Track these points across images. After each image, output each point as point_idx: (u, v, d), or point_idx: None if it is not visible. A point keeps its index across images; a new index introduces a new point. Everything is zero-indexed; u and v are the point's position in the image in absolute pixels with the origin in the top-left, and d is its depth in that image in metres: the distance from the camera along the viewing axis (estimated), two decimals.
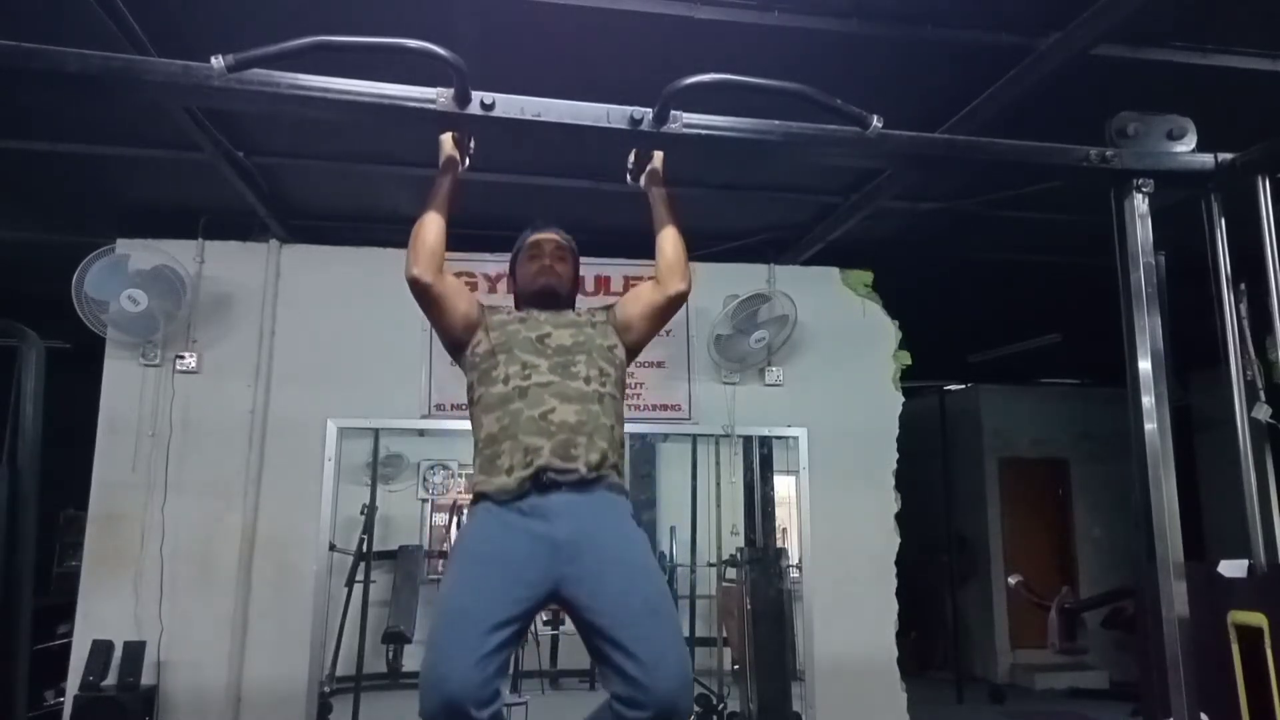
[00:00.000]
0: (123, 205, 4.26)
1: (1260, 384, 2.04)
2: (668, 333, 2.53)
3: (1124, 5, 2.40)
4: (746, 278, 4.70)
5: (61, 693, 4.06)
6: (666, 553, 5.21)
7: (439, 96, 1.74)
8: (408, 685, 4.41)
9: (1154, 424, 1.95)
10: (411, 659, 4.49)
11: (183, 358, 4.23)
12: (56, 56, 1.59)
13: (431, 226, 2.14)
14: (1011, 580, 7.56)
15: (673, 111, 1.82)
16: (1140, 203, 2.01)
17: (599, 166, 3.56)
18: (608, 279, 4.62)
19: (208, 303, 4.31)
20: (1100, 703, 6.98)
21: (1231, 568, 2.04)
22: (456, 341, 2.25)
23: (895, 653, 4.56)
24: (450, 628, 1.87)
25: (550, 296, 2.32)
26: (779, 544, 5.01)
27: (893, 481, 4.70)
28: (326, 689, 4.22)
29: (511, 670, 4.19)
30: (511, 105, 1.78)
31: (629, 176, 2.32)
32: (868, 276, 4.86)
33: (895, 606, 4.59)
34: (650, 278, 2.34)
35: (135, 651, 3.89)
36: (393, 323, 4.22)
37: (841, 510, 4.61)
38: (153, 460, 4.12)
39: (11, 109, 3.24)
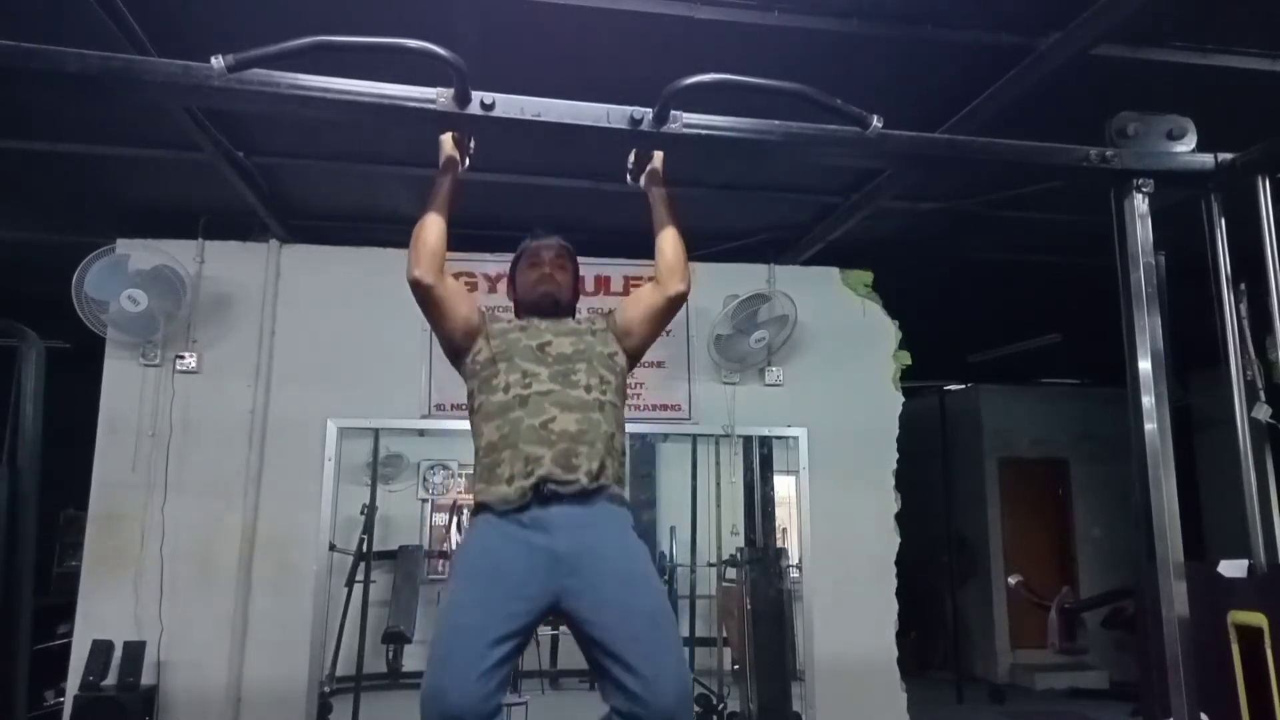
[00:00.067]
0: (123, 205, 4.26)
1: (1260, 384, 2.04)
2: (668, 333, 2.54)
3: (1124, 5, 2.40)
4: (746, 278, 4.70)
5: (61, 693, 4.06)
6: (666, 553, 5.21)
7: (439, 96, 1.74)
8: (408, 685, 4.41)
9: (1154, 424, 1.95)
10: (411, 659, 4.49)
11: (183, 358, 4.23)
12: (56, 56, 1.59)
13: (432, 228, 2.14)
14: (1011, 580, 7.56)
15: (673, 111, 1.82)
16: (1140, 203, 2.01)
17: (599, 166, 3.56)
18: (608, 279, 4.62)
19: (208, 303, 4.31)
20: (1100, 703, 6.98)
21: (1231, 568, 2.04)
22: (457, 347, 2.25)
23: (895, 653, 4.56)
24: (451, 642, 1.88)
25: (550, 305, 2.32)
26: (779, 544, 5.00)
27: (893, 481, 4.70)
28: (326, 689, 4.21)
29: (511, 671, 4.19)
30: (511, 105, 1.77)
31: (629, 176, 2.32)
32: (868, 276, 4.86)
33: (895, 606, 4.59)
34: (650, 278, 2.34)
35: (135, 651, 3.89)
36: (393, 323, 4.22)
37: (841, 510, 4.61)
38: (153, 460, 4.12)
39: (11, 109, 3.24)
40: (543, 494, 2.00)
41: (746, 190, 4.09)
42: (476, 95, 1.74)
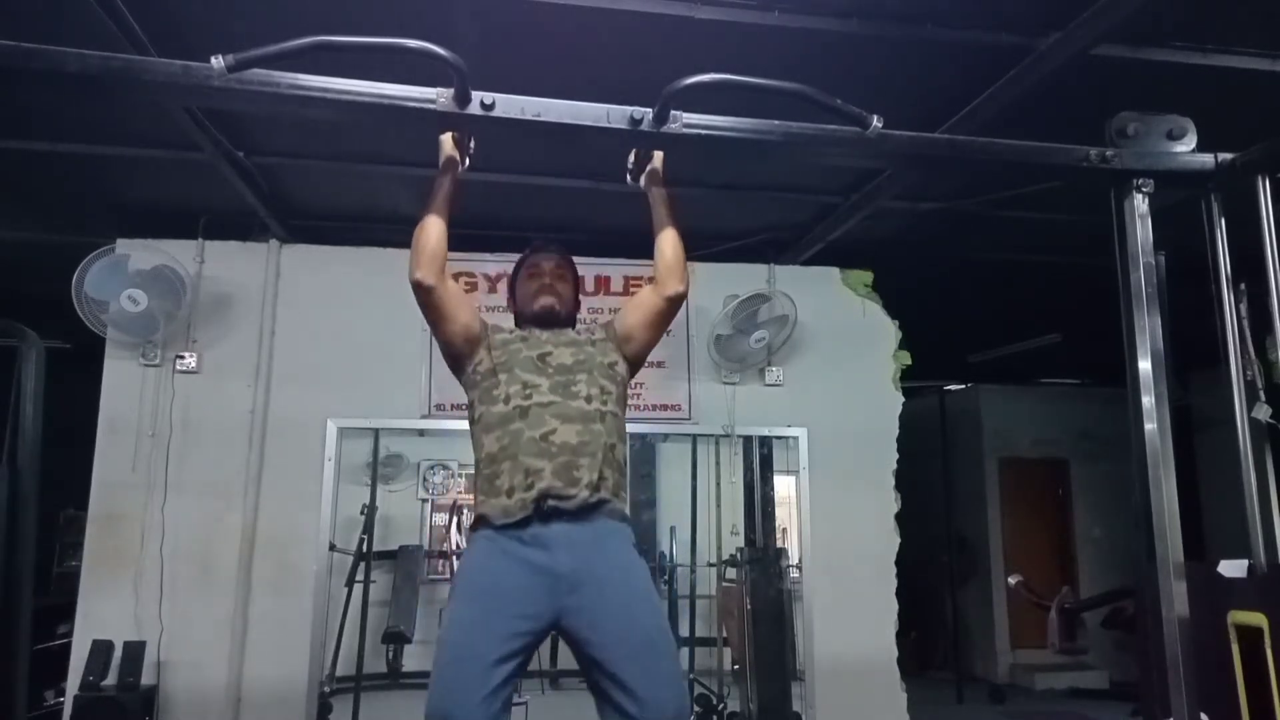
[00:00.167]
0: (123, 205, 4.26)
1: (1260, 384, 2.04)
2: (668, 333, 2.53)
3: (1124, 5, 2.40)
4: (746, 278, 4.70)
5: (61, 693, 4.06)
6: (666, 553, 5.21)
7: (439, 96, 1.74)
8: (408, 685, 4.41)
9: (1154, 424, 1.95)
10: (411, 659, 4.49)
11: (183, 358, 4.23)
12: (56, 56, 1.59)
13: (433, 230, 2.14)
14: (1011, 580, 7.56)
15: (673, 111, 1.81)
16: (1140, 203, 2.00)
17: (599, 166, 3.56)
18: (608, 279, 4.62)
19: (208, 303, 4.31)
20: (1100, 703, 6.98)
21: (1231, 568, 2.03)
22: (457, 353, 2.25)
23: (895, 653, 4.56)
24: (453, 664, 1.89)
25: (550, 316, 2.32)
26: (779, 544, 5.00)
27: (893, 481, 4.70)
28: (326, 689, 4.21)
29: None
30: (511, 105, 1.77)
31: (629, 176, 2.32)
32: (868, 276, 4.86)
33: (895, 606, 4.59)
34: (649, 278, 2.34)
35: (135, 651, 3.89)
36: (393, 323, 4.22)
37: (841, 510, 4.61)
38: (153, 460, 4.12)
39: (11, 109, 3.24)
40: (543, 510, 1.99)
41: (746, 190, 4.09)
42: (476, 95, 1.74)
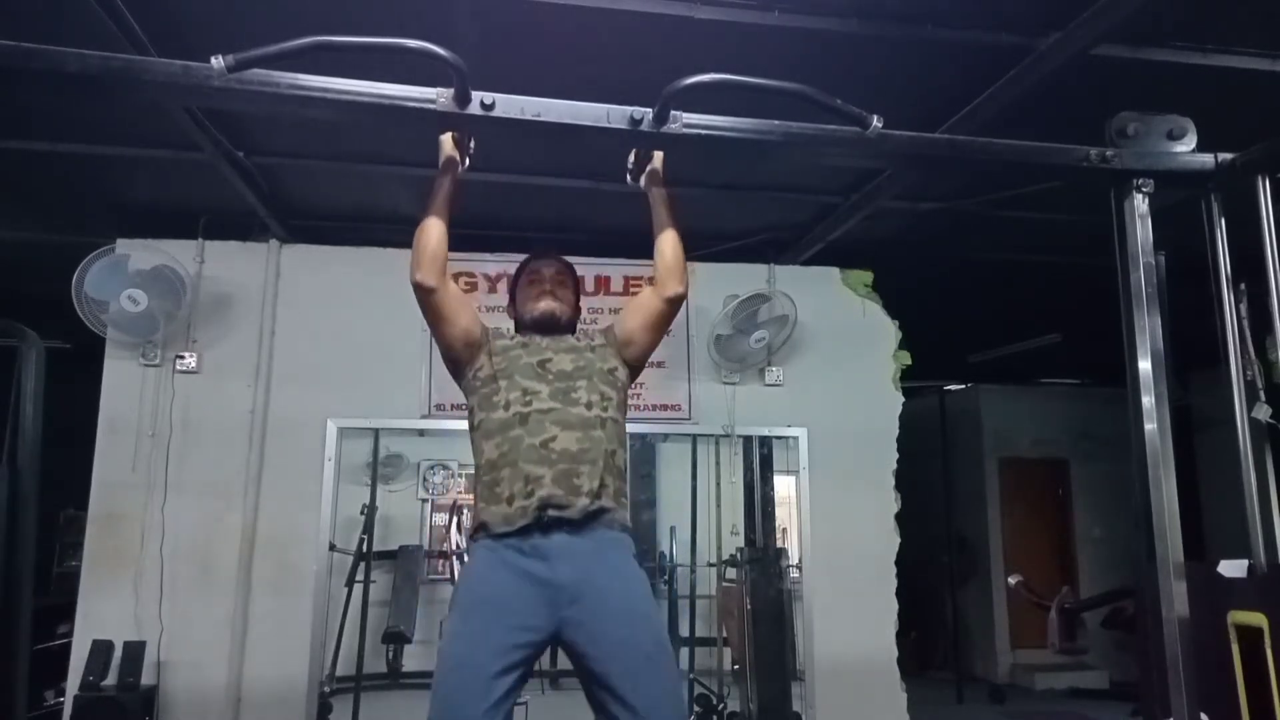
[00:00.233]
0: (123, 205, 4.27)
1: (1260, 384, 2.04)
2: (668, 333, 2.53)
3: (1124, 5, 2.40)
4: (746, 278, 4.70)
5: (61, 693, 4.06)
6: (666, 553, 5.21)
7: (439, 96, 1.74)
8: (408, 685, 4.41)
9: (1154, 424, 1.95)
10: (411, 659, 4.49)
11: (183, 358, 4.23)
12: (56, 56, 1.59)
13: (433, 231, 2.14)
14: (1011, 580, 7.56)
15: (673, 112, 1.81)
16: (1140, 203, 2.00)
17: (599, 166, 3.56)
18: (608, 279, 4.62)
19: (208, 303, 4.31)
20: (1100, 703, 6.98)
21: (1231, 568, 2.03)
22: (457, 356, 2.25)
23: (895, 653, 4.56)
24: (455, 677, 1.89)
25: (550, 322, 2.32)
26: (779, 544, 5.00)
27: (893, 481, 4.70)
28: (326, 689, 4.21)
29: None
30: (511, 105, 1.77)
31: (629, 177, 2.32)
32: (868, 276, 4.86)
33: (895, 606, 4.59)
34: (649, 279, 2.34)
35: (135, 651, 3.89)
36: (393, 323, 4.22)
37: (841, 510, 4.61)
38: (153, 460, 4.12)
39: (11, 109, 3.24)
40: (544, 521, 1.99)
41: (746, 190, 4.09)
42: (476, 95, 1.74)
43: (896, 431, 4.74)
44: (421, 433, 4.77)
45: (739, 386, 4.68)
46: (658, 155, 2.26)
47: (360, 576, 4.49)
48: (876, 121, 1.85)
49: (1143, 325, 1.97)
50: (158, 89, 1.70)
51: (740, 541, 4.96)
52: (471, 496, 2.21)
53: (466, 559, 2.13)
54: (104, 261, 3.95)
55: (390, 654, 4.54)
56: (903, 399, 4.81)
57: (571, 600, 1.96)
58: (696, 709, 4.64)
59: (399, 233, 4.03)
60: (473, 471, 2.20)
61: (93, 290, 3.92)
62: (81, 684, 3.79)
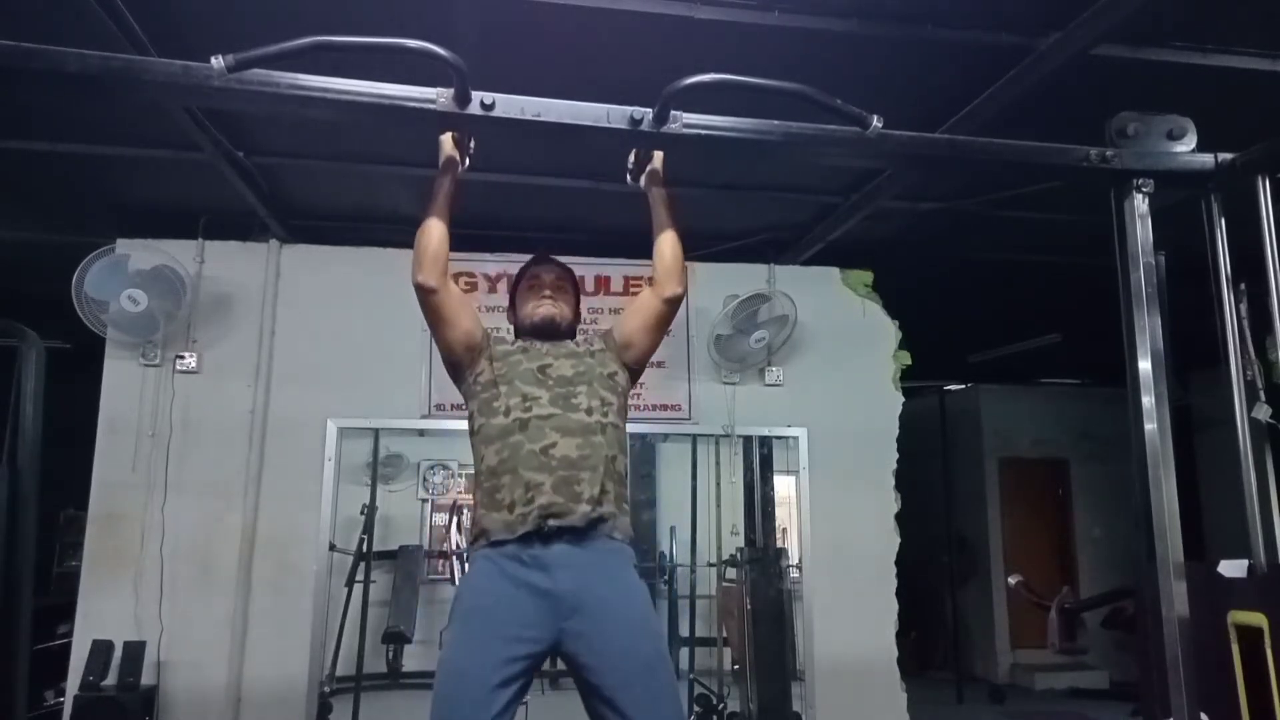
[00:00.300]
0: (123, 205, 4.27)
1: (1260, 384, 2.04)
2: (668, 333, 2.53)
3: (1124, 5, 2.40)
4: (746, 278, 4.70)
5: (61, 693, 4.06)
6: (666, 553, 5.21)
7: (439, 96, 1.74)
8: (408, 685, 4.41)
9: (1154, 424, 1.95)
10: (411, 659, 4.49)
11: (183, 358, 4.23)
12: (56, 56, 1.59)
13: (434, 231, 2.14)
14: (1011, 580, 7.56)
15: (673, 112, 1.81)
16: (1140, 203, 2.00)
17: (599, 166, 3.56)
18: (608, 279, 4.62)
19: (208, 303, 4.31)
20: (1100, 703, 6.98)
21: (1231, 568, 2.03)
22: (457, 360, 2.24)
23: (895, 653, 4.56)
24: (456, 690, 1.89)
25: (550, 327, 2.32)
26: (779, 544, 5.01)
27: (893, 481, 4.70)
28: (326, 689, 4.21)
29: None
30: (511, 105, 1.77)
31: (629, 177, 2.32)
32: (868, 276, 4.86)
33: (895, 606, 4.59)
34: (649, 279, 2.34)
35: (135, 651, 3.89)
36: (393, 323, 4.23)
37: (841, 510, 4.61)
38: (153, 460, 4.12)
39: (11, 109, 3.24)
40: (544, 532, 1.99)
41: (746, 190, 4.09)
42: (476, 95, 1.74)
43: (896, 431, 4.74)
44: (421, 433, 4.77)
45: (739, 386, 4.68)
46: (658, 155, 2.26)
47: (360, 576, 4.49)
48: (876, 121, 1.85)
49: (1143, 325, 1.97)
50: (158, 89, 1.71)
51: (740, 541, 4.97)
52: (471, 497, 2.21)
53: (466, 568, 2.13)
54: (104, 261, 3.95)
55: (390, 654, 4.54)
56: (903, 399, 4.81)
57: (571, 611, 1.96)
58: (696, 709, 4.65)
59: (399, 233, 4.04)
60: (473, 473, 2.20)
61: (93, 290, 3.92)
62: (81, 684, 3.79)
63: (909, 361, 4.83)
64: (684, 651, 4.93)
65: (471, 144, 2.18)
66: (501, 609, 1.95)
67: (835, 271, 4.85)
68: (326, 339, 4.39)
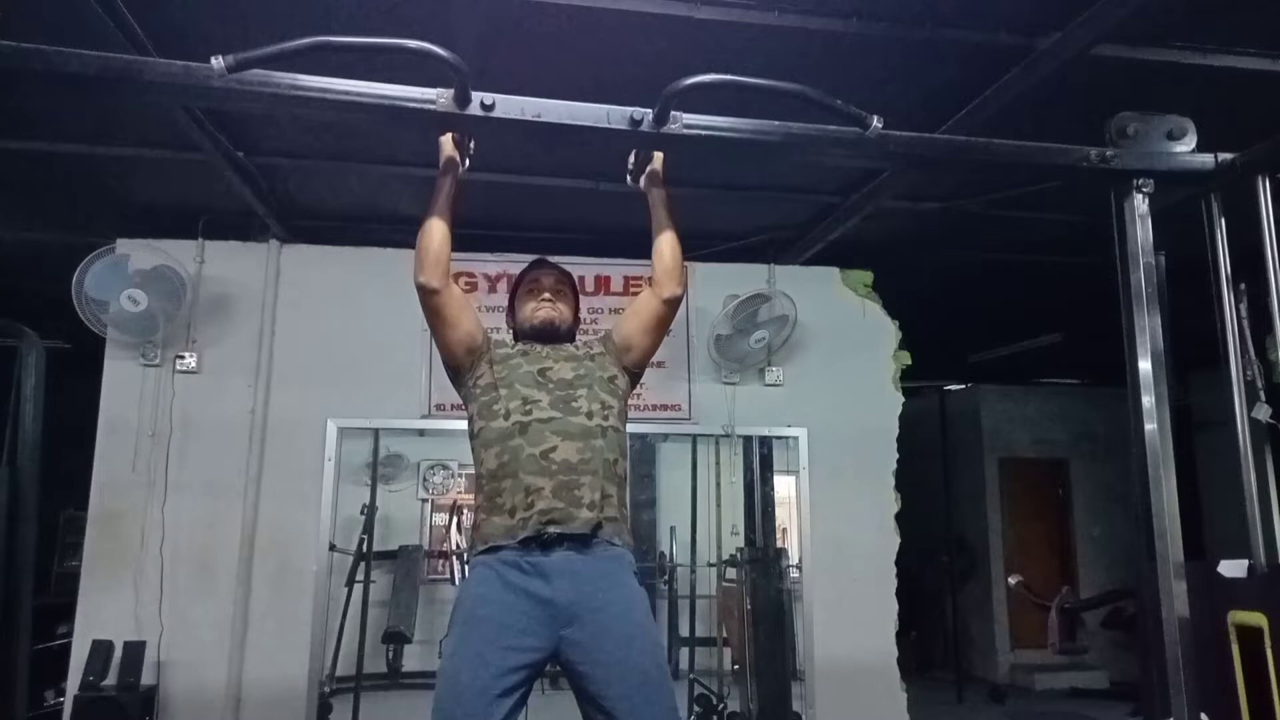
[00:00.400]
0: (123, 205, 4.26)
1: (1260, 384, 2.04)
2: (668, 333, 2.53)
3: (1124, 5, 2.40)
4: (746, 278, 4.70)
5: (61, 693, 4.06)
6: (666, 553, 5.22)
7: (439, 97, 1.74)
8: (408, 685, 4.42)
9: (1154, 424, 1.95)
10: (411, 659, 4.50)
11: (183, 358, 4.22)
12: (56, 56, 1.59)
13: (435, 232, 2.14)
14: (1011, 580, 7.57)
15: (673, 112, 1.81)
16: (1140, 203, 2.01)
17: (599, 166, 3.56)
18: (608, 279, 4.62)
19: (208, 303, 4.31)
20: (1100, 703, 6.98)
21: (1231, 568, 2.04)
22: (458, 362, 2.24)
23: (895, 653, 4.56)
24: (457, 700, 1.89)
25: (550, 330, 2.32)
26: (779, 544, 5.01)
27: (893, 481, 4.70)
28: (326, 689, 4.22)
29: None
30: (511, 106, 1.77)
31: (629, 177, 2.32)
32: (868, 276, 4.86)
33: (895, 606, 4.59)
34: (649, 279, 2.34)
35: (135, 651, 3.89)
36: (393, 323, 4.22)
37: (841, 510, 4.61)
38: (153, 460, 4.12)
39: (11, 109, 3.24)
40: (545, 538, 1.99)
41: (746, 190, 4.09)
42: (476, 96, 1.74)
43: (896, 431, 4.74)
44: (421, 433, 4.77)
45: (739, 386, 4.68)
46: (657, 156, 2.26)
47: (360, 576, 4.50)
48: (876, 122, 1.85)
49: (1143, 325, 1.97)
50: (158, 89, 1.70)
51: (740, 541, 4.97)
52: (472, 497, 2.21)
53: (467, 574, 2.13)
54: (104, 261, 3.95)
55: (390, 654, 4.55)
56: (903, 399, 4.81)
57: (570, 619, 1.96)
58: (696, 709, 4.65)
59: (399, 233, 4.05)
60: (473, 473, 2.20)
61: (93, 290, 3.92)
62: (81, 684, 3.79)
63: (909, 361, 4.83)
64: (684, 651, 4.94)
65: (472, 144, 2.17)
66: (501, 618, 1.95)
67: (835, 271, 4.85)
68: (326, 339, 4.39)
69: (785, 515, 5.05)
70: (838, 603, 4.52)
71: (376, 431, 4.67)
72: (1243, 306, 2.06)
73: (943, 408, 7.69)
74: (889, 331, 4.84)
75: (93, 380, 4.17)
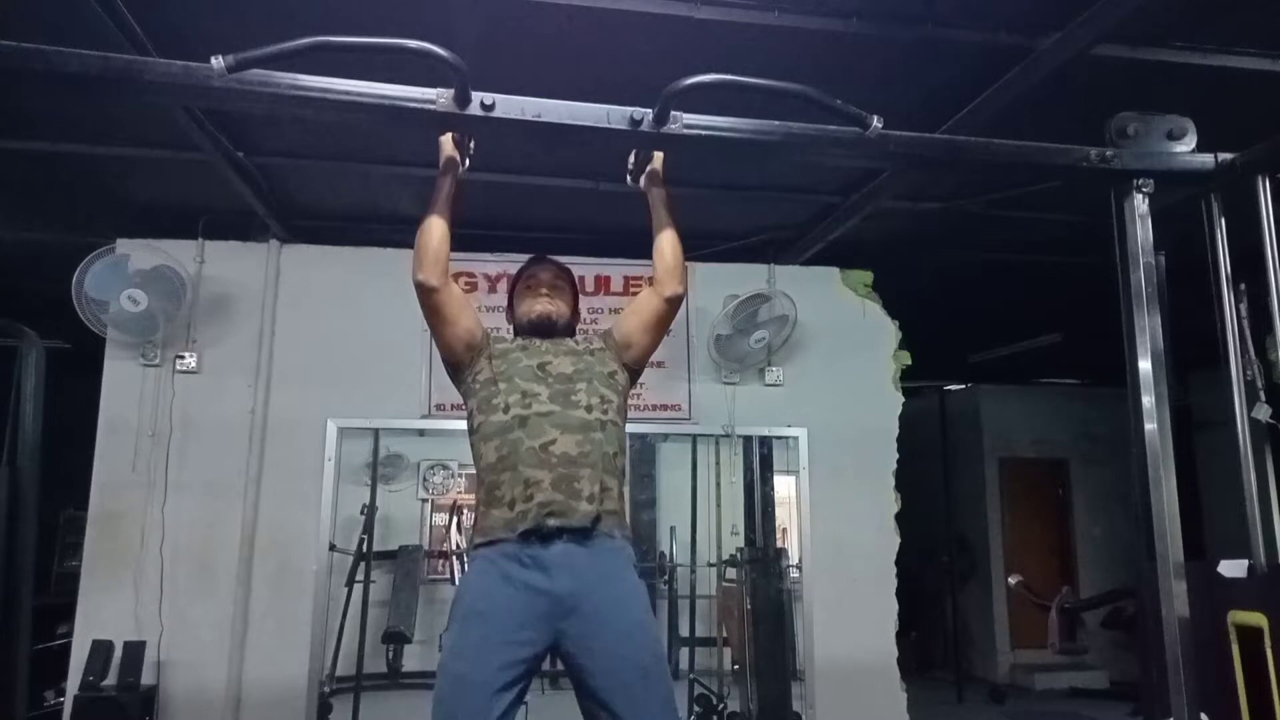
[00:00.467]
0: (123, 205, 4.26)
1: (1260, 384, 2.04)
2: (668, 333, 2.53)
3: (1124, 5, 2.40)
4: (746, 278, 4.70)
5: (61, 693, 4.05)
6: (666, 553, 5.22)
7: (439, 97, 1.74)
8: (408, 685, 4.41)
9: (1154, 424, 1.95)
10: (411, 659, 4.49)
11: (183, 358, 4.23)
12: (56, 56, 1.59)
13: (434, 231, 2.14)
14: (1011, 580, 7.57)
15: (673, 112, 1.81)
16: (1140, 203, 2.01)
17: (599, 166, 3.56)
18: (608, 279, 4.62)
19: (208, 303, 4.31)
20: (1100, 703, 6.98)
21: (1231, 568, 2.04)
22: (457, 359, 2.25)
23: (895, 653, 4.56)
24: (457, 695, 1.90)
25: (548, 325, 2.32)
26: (779, 544, 5.01)
27: (893, 481, 4.70)
28: (326, 689, 4.22)
29: None
30: (511, 106, 1.77)
31: (629, 177, 2.32)
32: (868, 276, 4.86)
33: (895, 606, 4.59)
34: (649, 279, 2.34)
35: (135, 651, 3.89)
36: (393, 323, 4.22)
37: (841, 510, 4.61)
38: (153, 460, 4.12)
39: (11, 109, 3.24)
40: (544, 531, 1.99)
41: (746, 190, 4.09)
42: (476, 96, 1.74)
43: (896, 431, 4.74)
44: (421, 433, 4.77)
45: (739, 386, 4.68)
46: (657, 156, 2.26)
47: (360, 576, 4.50)
48: (876, 122, 1.85)
49: (1143, 325, 1.97)
50: (158, 89, 1.70)
51: (740, 541, 4.97)
52: (472, 497, 2.22)
53: (466, 568, 2.13)
54: (104, 261, 3.95)
55: (390, 654, 4.55)
56: (903, 399, 4.81)
57: (569, 612, 1.96)
58: (696, 709, 4.65)
59: (399, 233, 4.05)
60: (473, 472, 2.21)
61: (93, 290, 3.92)
62: (81, 684, 3.79)
63: (909, 361, 4.83)
64: (684, 651, 4.94)
65: (472, 144, 2.18)
66: (500, 612, 1.95)
67: (835, 271, 4.85)
68: (326, 339, 4.39)
69: (785, 515, 5.05)
70: (838, 603, 4.52)
71: (376, 431, 4.67)
72: (1243, 306, 2.06)
73: (943, 408, 7.69)
74: (889, 331, 4.84)
75: (93, 380, 4.17)
